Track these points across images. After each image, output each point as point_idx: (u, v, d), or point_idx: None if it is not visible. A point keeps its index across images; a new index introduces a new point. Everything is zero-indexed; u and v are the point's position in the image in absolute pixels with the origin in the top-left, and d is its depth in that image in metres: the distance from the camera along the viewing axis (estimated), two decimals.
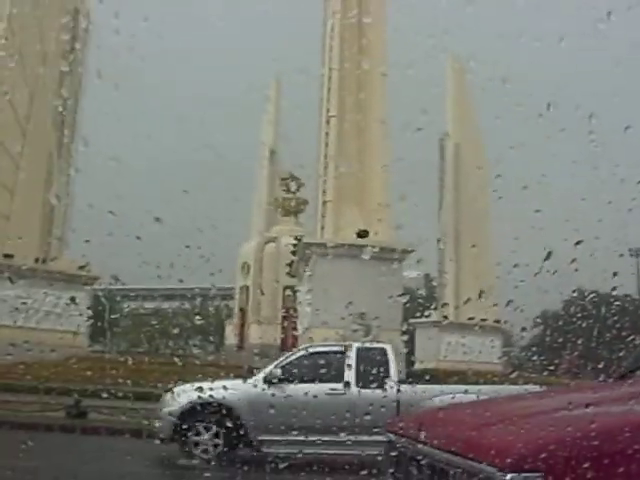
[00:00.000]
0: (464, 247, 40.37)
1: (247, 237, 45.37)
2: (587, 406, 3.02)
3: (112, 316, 46.99)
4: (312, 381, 11.29)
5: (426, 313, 40.41)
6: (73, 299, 31.12)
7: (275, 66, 54.29)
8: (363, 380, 11.50)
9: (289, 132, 52.49)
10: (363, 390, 11.40)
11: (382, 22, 26.06)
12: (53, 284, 30.72)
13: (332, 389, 11.35)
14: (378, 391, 11.34)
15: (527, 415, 3.20)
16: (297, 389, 11.29)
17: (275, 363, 12.13)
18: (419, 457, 3.37)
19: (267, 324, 40.05)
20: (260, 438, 11.40)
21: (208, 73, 73.56)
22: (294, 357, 12.30)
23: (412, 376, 11.43)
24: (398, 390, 11.32)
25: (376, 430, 10.06)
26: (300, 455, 9.89)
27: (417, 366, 35.34)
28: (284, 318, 40.43)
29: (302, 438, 10.41)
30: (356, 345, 12.23)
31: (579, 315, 19.14)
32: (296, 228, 43.12)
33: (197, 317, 65.73)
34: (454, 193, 42.09)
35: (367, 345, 12.60)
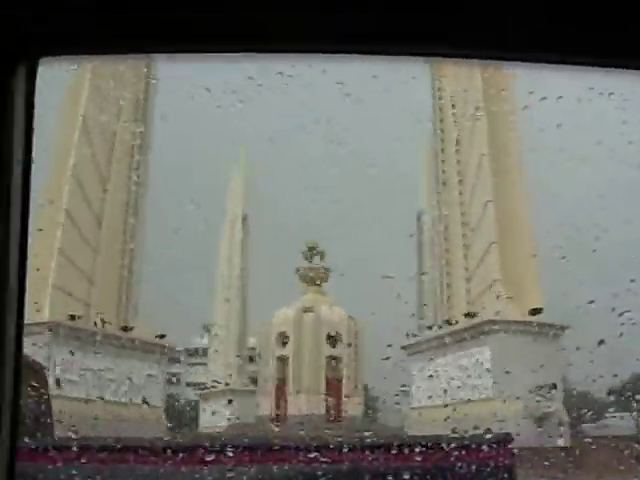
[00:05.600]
0: None
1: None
2: None
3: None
4: None
5: None
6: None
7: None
8: None
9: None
10: None
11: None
12: (134, 354, 29.19)
13: None
14: None
15: None
16: None
17: None
18: None
19: (309, 395, 39.08)
20: None
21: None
22: None
23: None
24: None
25: None
26: None
27: None
28: (328, 387, 39.73)
29: None
30: None
31: None
32: (324, 297, 42.99)
33: None
34: None
35: None
